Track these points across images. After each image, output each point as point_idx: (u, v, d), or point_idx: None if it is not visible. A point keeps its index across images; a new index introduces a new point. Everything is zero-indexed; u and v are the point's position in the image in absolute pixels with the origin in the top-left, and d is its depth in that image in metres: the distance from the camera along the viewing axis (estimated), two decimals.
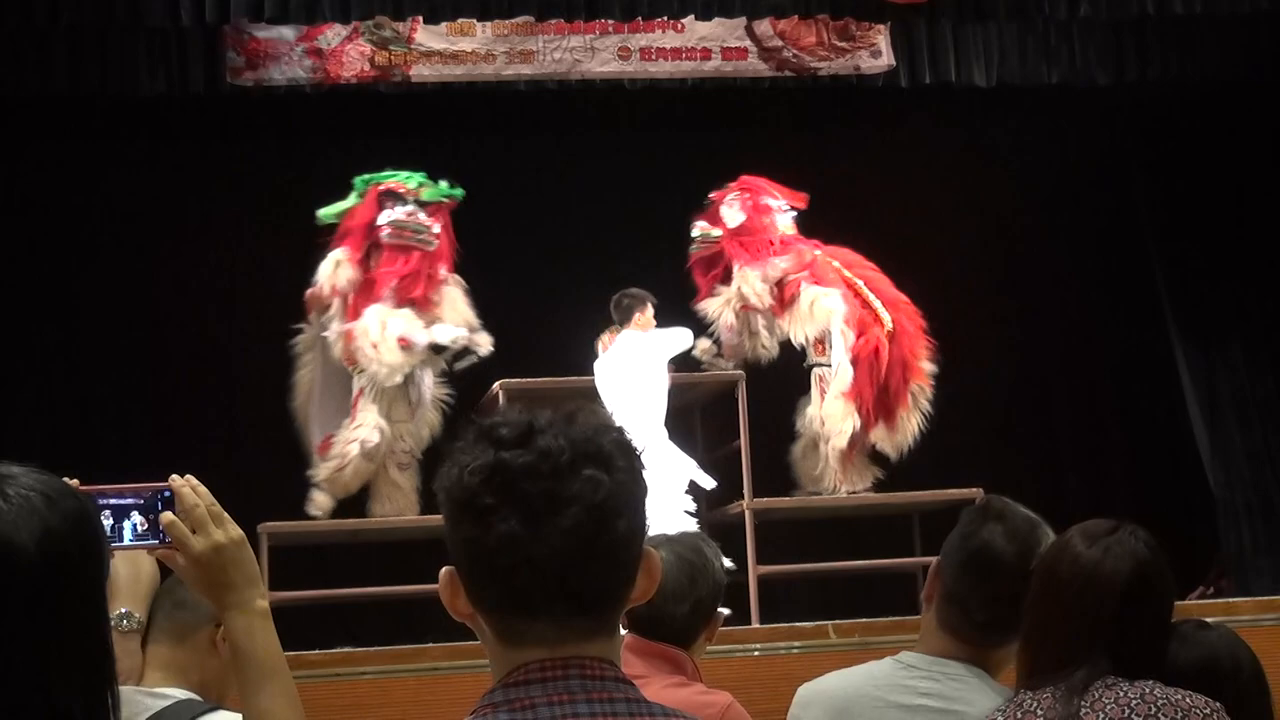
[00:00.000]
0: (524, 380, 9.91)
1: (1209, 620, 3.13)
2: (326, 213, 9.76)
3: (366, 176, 9.81)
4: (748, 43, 11.14)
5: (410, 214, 9.72)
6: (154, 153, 11.10)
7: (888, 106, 11.64)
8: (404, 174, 9.86)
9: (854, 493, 10.08)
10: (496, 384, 9.90)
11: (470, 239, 10.66)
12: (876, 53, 11.15)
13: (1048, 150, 12.21)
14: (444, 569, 1.89)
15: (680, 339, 9.72)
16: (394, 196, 9.74)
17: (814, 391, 10.18)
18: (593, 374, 9.93)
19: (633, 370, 9.35)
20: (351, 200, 9.79)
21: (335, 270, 9.65)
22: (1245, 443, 11.70)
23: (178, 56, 10.47)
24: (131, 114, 10.90)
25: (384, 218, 9.69)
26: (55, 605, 1.74)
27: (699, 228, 10.35)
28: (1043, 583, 2.89)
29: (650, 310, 9.71)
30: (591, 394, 9.20)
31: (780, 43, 11.13)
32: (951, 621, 3.11)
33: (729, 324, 10.19)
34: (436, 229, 9.77)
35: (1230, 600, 9.38)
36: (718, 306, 10.22)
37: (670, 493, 9.17)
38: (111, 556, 2.04)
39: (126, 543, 2.30)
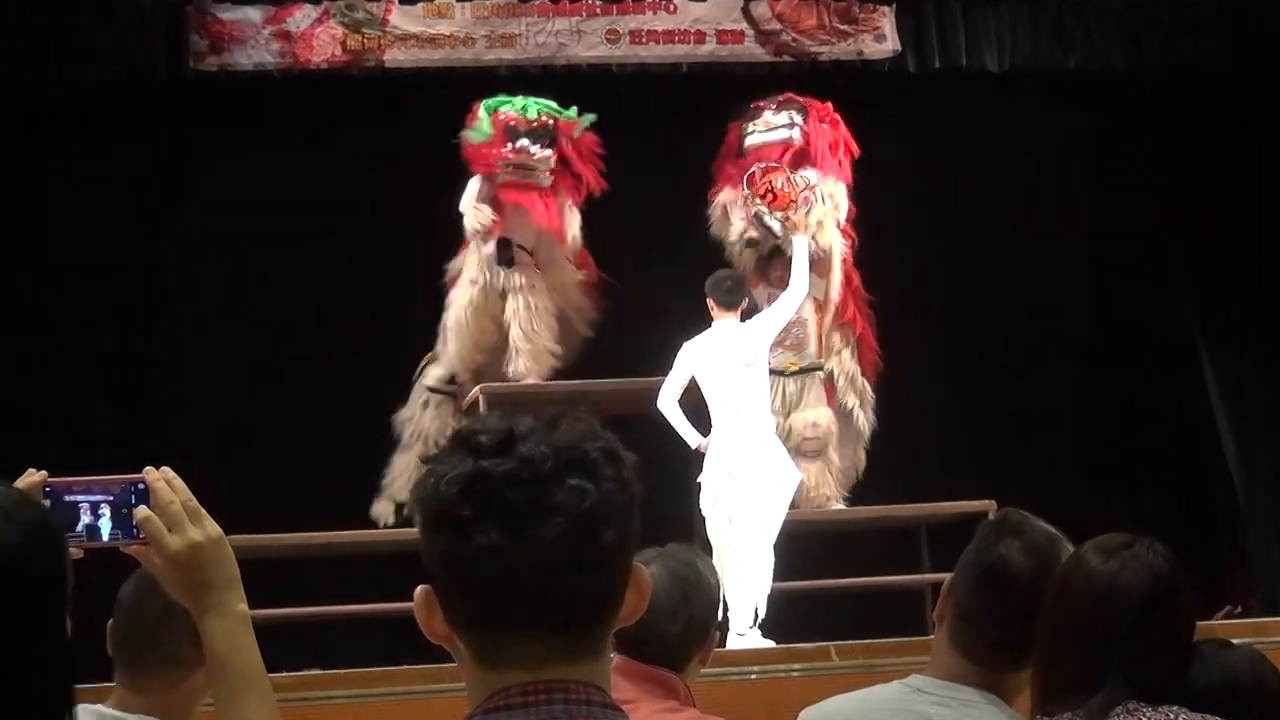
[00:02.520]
0: (505, 385, 9.90)
1: (1233, 641, 3.13)
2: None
3: (492, 102, 10.01)
4: (744, 25, 11.16)
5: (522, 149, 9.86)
6: (112, 142, 11.07)
7: (893, 93, 11.64)
8: (522, 102, 10.04)
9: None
10: (476, 388, 9.89)
11: (449, 237, 10.66)
12: (881, 36, 11.17)
13: (1063, 140, 12.21)
14: (419, 588, 1.88)
15: (785, 308, 9.63)
16: (510, 130, 9.89)
17: (812, 395, 10.19)
18: (578, 378, 9.93)
19: (737, 361, 9.22)
20: (484, 129, 9.96)
21: (476, 214, 9.90)
22: (1273, 451, 11.70)
23: (138, 40, 10.46)
24: (88, 101, 10.88)
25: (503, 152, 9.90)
26: (12, 623, 1.72)
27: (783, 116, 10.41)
28: (1056, 600, 2.89)
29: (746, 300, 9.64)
30: (577, 400, 9.18)
31: (779, 25, 11.13)
32: (965, 642, 3.09)
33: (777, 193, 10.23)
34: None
35: (1259, 620, 9.38)
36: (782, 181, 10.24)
37: (777, 497, 9.11)
38: (81, 555, 2.02)
39: (97, 541, 2.29)
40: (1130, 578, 2.83)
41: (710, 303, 9.41)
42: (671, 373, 9.38)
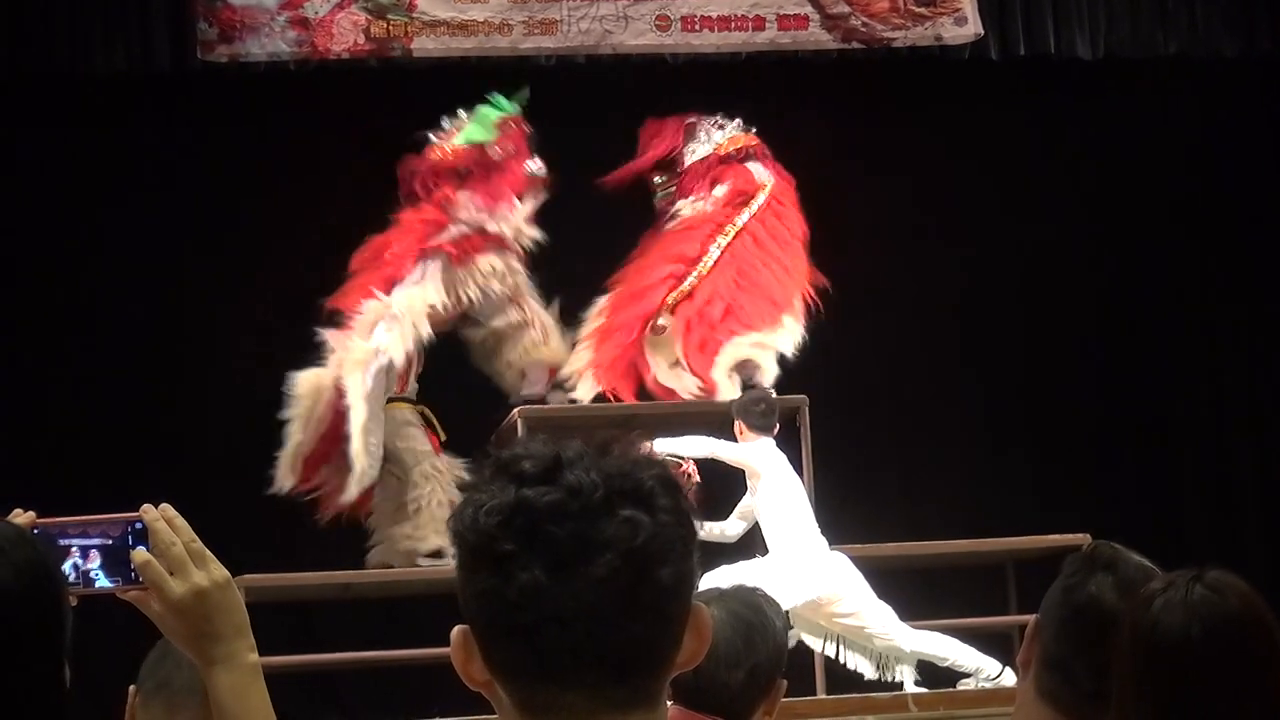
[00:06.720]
0: (547, 408, 9.92)
1: None
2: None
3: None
4: (808, 9, 11.14)
5: None
6: (110, 140, 11.10)
7: (975, 82, 11.63)
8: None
9: None
10: (515, 411, 9.91)
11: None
12: (961, 19, 11.14)
13: (1164, 134, 12.17)
14: (456, 629, 1.89)
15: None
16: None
17: None
18: (634, 399, 9.96)
19: (792, 486, 9.18)
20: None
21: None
22: None
23: (138, 28, 10.50)
24: (84, 95, 10.92)
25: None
26: (6, 667, 1.73)
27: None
28: (1116, 655, 2.84)
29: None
30: (623, 423, 9.19)
31: (847, 9, 11.12)
32: (1053, 691, 3.08)
33: None
34: None
35: None
36: None
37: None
38: (74, 604, 2.03)
39: (93, 587, 2.29)
40: (1170, 622, 2.79)
41: (740, 426, 9.29)
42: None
